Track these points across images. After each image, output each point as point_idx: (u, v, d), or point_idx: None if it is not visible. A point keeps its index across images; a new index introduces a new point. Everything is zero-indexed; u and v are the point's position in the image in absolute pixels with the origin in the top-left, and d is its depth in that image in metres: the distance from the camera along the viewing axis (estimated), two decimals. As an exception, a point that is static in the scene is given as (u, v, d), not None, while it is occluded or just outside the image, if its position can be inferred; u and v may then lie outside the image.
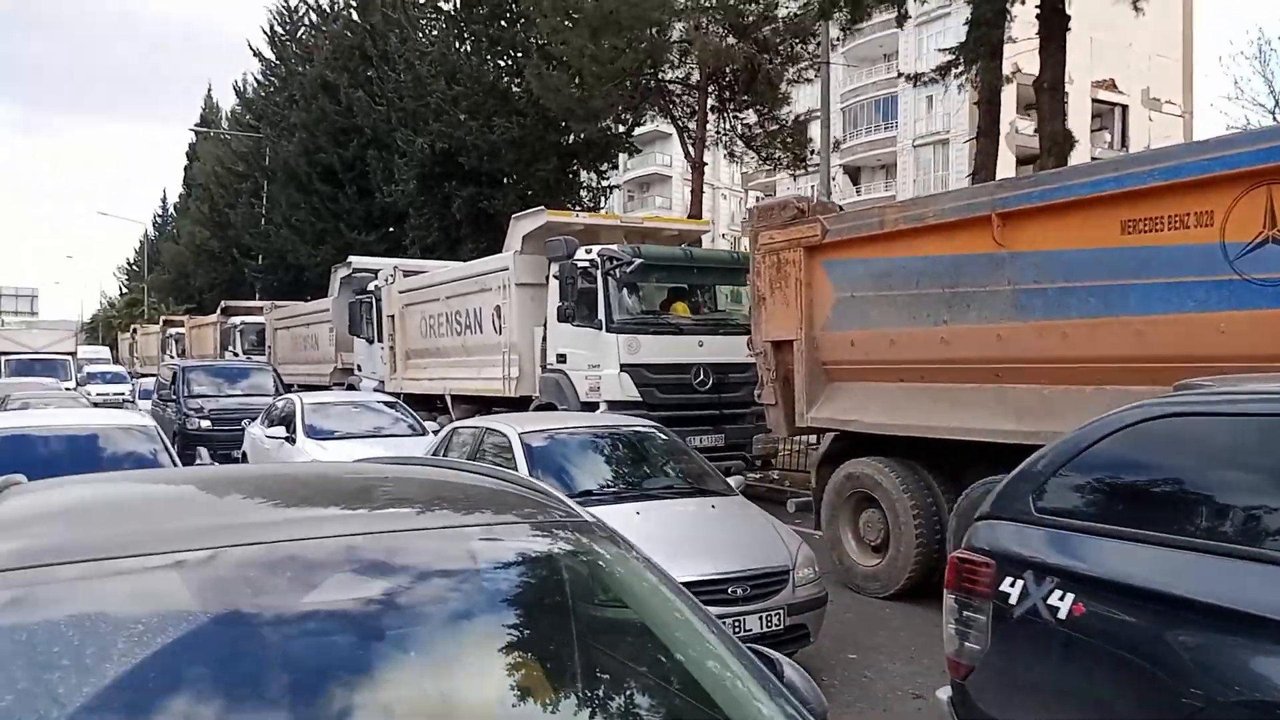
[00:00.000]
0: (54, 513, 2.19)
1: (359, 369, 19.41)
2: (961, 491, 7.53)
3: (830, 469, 8.31)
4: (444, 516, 2.16)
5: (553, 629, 2.02)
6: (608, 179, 26.01)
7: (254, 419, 16.34)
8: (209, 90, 76.83)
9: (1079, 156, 44.33)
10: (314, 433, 11.49)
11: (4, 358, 29.53)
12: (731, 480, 6.78)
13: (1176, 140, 51.56)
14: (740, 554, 5.54)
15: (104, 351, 48.45)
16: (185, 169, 64.97)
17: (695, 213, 18.66)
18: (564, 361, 11.70)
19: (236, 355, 27.63)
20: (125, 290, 77.97)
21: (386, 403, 12.86)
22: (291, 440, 11.38)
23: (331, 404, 12.45)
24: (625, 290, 11.26)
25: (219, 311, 30.47)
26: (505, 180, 25.47)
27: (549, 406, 11.97)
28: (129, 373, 34.37)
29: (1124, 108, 52.27)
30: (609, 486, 6.35)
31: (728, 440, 11.42)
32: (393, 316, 16.86)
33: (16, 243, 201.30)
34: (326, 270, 32.33)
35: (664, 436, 7.01)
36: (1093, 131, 51.85)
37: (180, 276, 54.59)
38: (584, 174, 25.27)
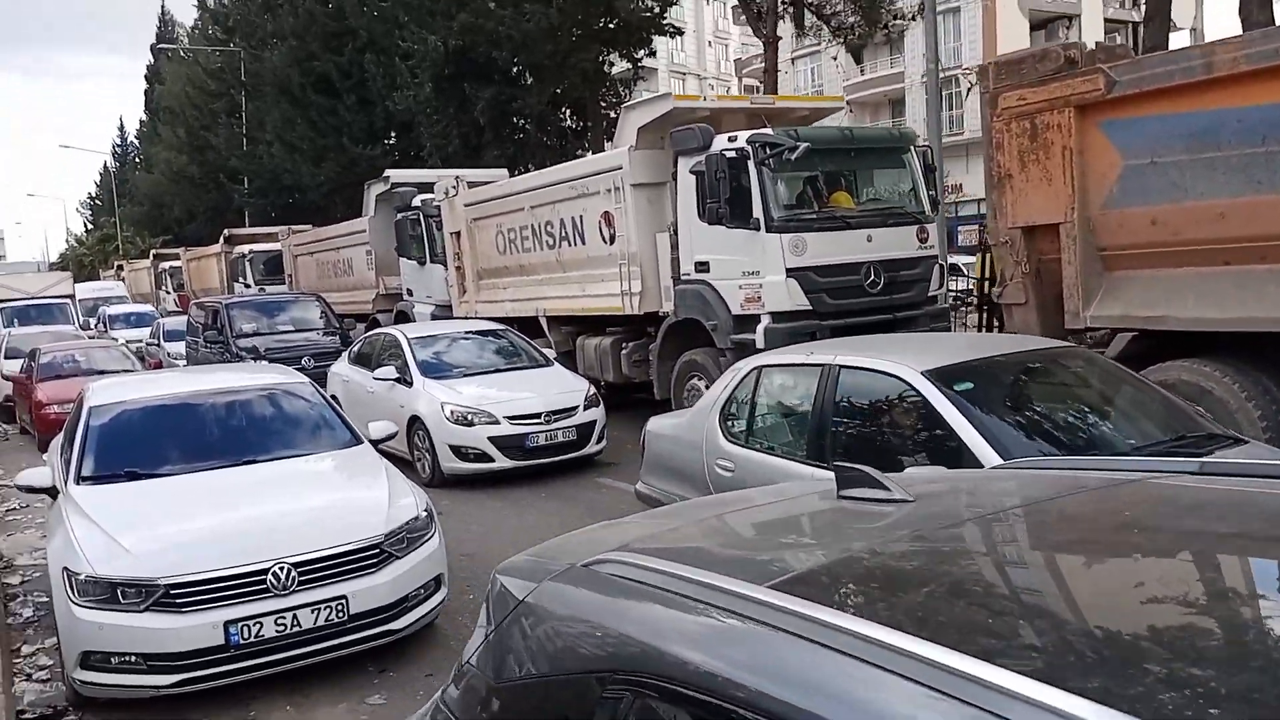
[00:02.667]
0: None
1: (409, 293, 17.79)
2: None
3: (1120, 376, 6.94)
4: None
5: None
6: (642, 66, 23.93)
7: (313, 356, 14.68)
8: (163, 7, 71.82)
9: (1091, 25, 42.20)
10: (429, 370, 10.00)
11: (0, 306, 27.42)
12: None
13: (1188, -4, 49.48)
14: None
15: (118, 287, 37.48)
16: (146, 93, 61.22)
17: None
18: (706, 270, 10.17)
19: (248, 287, 25.80)
20: (91, 226, 74.69)
21: (491, 331, 11.35)
22: (406, 382, 10.01)
23: (437, 336, 10.95)
24: (783, 182, 9.70)
25: (222, 241, 28.40)
26: (530, 78, 23.38)
27: (691, 324, 10.50)
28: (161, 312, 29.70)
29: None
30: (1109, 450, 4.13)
31: (903, 347, 10.02)
32: (457, 233, 15.15)
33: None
34: (331, 190, 30.35)
35: (1098, 361, 5.26)
36: (1105, -9, 49.77)
37: (155, 207, 51.82)
38: (615, 64, 23.20)
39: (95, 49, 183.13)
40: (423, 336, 10.77)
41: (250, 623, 4.55)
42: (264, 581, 4.61)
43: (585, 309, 12.39)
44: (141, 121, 65.71)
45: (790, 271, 9.40)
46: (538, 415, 9.24)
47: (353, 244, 20.09)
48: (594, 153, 23.42)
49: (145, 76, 62.07)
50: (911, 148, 10.47)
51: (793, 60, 55.10)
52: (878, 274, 9.78)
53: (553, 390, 9.73)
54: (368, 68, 27.28)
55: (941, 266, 10.51)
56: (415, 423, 9.50)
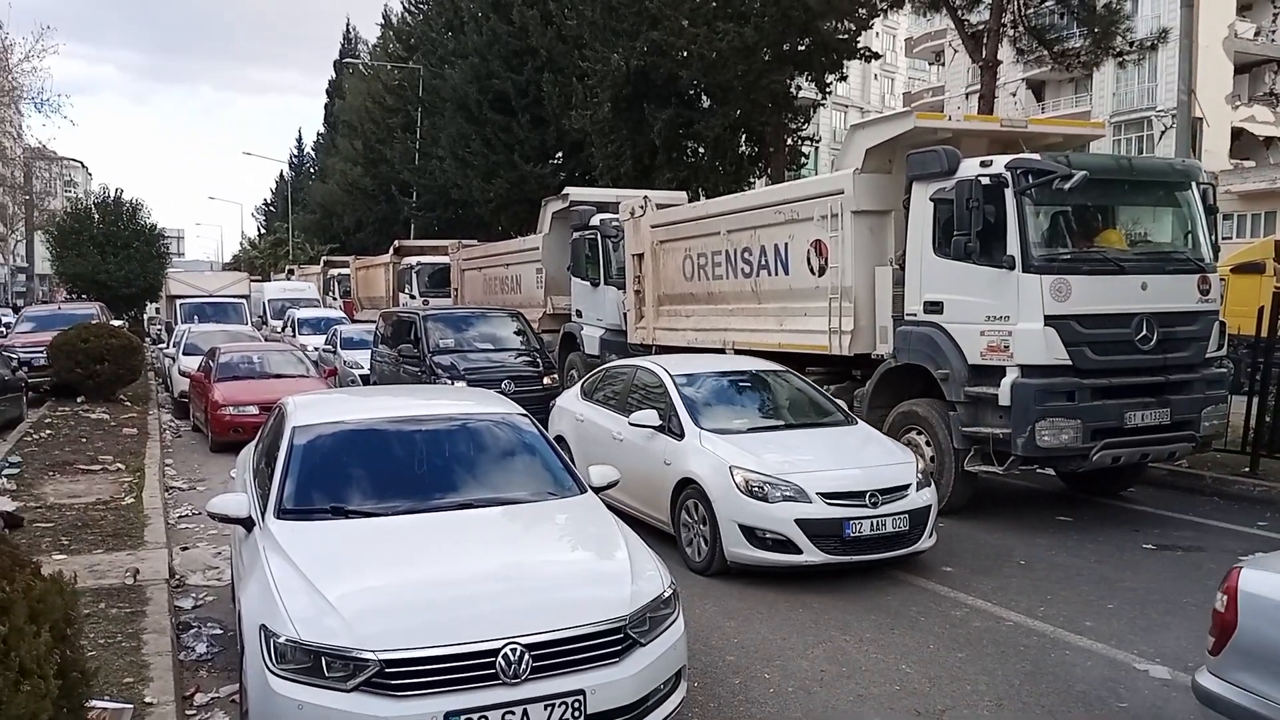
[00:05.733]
0: None
1: (578, 314, 17.20)
2: None
3: None
4: None
5: None
6: (830, 92, 22.84)
7: (513, 379, 13.35)
8: (348, 24, 75.39)
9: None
10: (702, 419, 7.79)
11: (179, 302, 28.55)
12: None
13: None
14: None
15: (309, 289, 33.51)
16: (326, 107, 64.11)
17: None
18: (938, 311, 8.97)
19: (413, 298, 25.99)
20: (265, 230, 78.64)
21: (771, 373, 8.94)
22: (673, 433, 7.75)
23: (707, 375, 8.60)
24: (1045, 214, 8.44)
25: (391, 251, 28.75)
26: (708, 101, 22.68)
27: (912, 370, 9.31)
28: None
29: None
30: None
31: (1173, 415, 8.54)
32: (640, 255, 14.40)
33: (160, 187, 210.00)
34: (498, 206, 30.45)
35: None
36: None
37: (326, 216, 53.86)
38: (802, 89, 22.24)
39: (281, 65, 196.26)
40: (689, 374, 8.47)
41: (474, 716, 3.67)
42: (493, 665, 3.73)
43: (781, 345, 11.33)
44: (319, 134, 68.96)
45: (1049, 319, 8.11)
46: (861, 494, 6.90)
47: (524, 261, 19.73)
48: (772, 181, 22.54)
49: (326, 91, 65.06)
50: (1193, 184, 9.01)
51: (966, 95, 52.91)
52: (1150, 328, 8.36)
53: (874, 460, 7.43)
54: (545, 87, 27.26)
55: (1223, 324, 8.98)
56: (686, 488, 7.43)
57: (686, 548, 7.45)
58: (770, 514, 6.83)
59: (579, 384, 10.00)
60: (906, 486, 7.10)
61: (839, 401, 8.80)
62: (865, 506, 6.86)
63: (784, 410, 8.44)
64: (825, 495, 6.86)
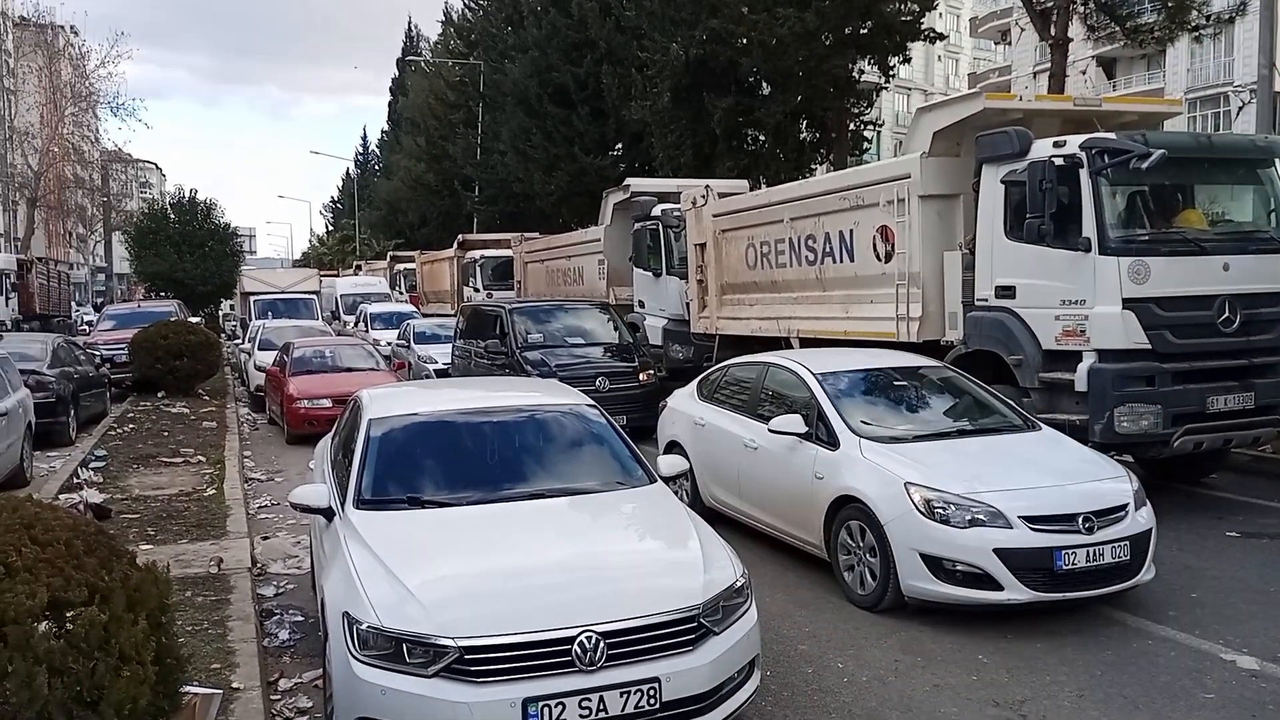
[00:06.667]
0: None
1: (641, 305, 17.23)
2: None
3: None
4: None
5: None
6: (894, 75, 22.47)
7: (608, 377, 12.66)
8: (409, 23, 76.30)
9: None
10: (854, 422, 6.66)
11: (253, 298, 29.31)
12: None
13: None
14: None
15: (378, 284, 33.71)
16: (390, 105, 65.07)
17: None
18: (1010, 295, 8.79)
19: (477, 291, 26.30)
20: (332, 227, 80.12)
21: (926, 369, 7.74)
22: (824, 441, 6.61)
23: (855, 373, 7.43)
24: (1121, 195, 8.22)
25: (456, 246, 29.15)
26: (768, 88, 22.49)
27: (984, 356, 9.14)
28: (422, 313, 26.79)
29: None
30: None
31: (1258, 400, 8.27)
32: (702, 245, 14.35)
33: (231, 186, 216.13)
34: (560, 199, 30.64)
35: None
36: None
37: (391, 212, 54.74)
38: (864, 74, 21.92)
39: (346, 65, 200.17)
40: (834, 372, 7.24)
41: (552, 703, 3.72)
42: (569, 652, 3.78)
43: (848, 333, 11.21)
44: (384, 131, 70.01)
45: (1128, 302, 7.90)
46: (1072, 518, 5.72)
47: (586, 252, 19.83)
48: (834, 167, 22.28)
49: (390, 89, 66.02)
50: (1276, 161, 8.69)
51: (1034, 74, 51.61)
52: (1233, 310, 8.10)
53: (1080, 474, 6.20)
54: (604, 79, 27.33)
55: (1307, 304, 8.65)
56: (845, 507, 6.29)
57: (847, 576, 6.35)
58: (961, 541, 5.69)
59: (694, 383, 9.02)
60: (1124, 507, 5.92)
61: (1011, 402, 7.49)
62: (1079, 532, 5.68)
63: (951, 413, 7.21)
64: (1028, 519, 5.69)
